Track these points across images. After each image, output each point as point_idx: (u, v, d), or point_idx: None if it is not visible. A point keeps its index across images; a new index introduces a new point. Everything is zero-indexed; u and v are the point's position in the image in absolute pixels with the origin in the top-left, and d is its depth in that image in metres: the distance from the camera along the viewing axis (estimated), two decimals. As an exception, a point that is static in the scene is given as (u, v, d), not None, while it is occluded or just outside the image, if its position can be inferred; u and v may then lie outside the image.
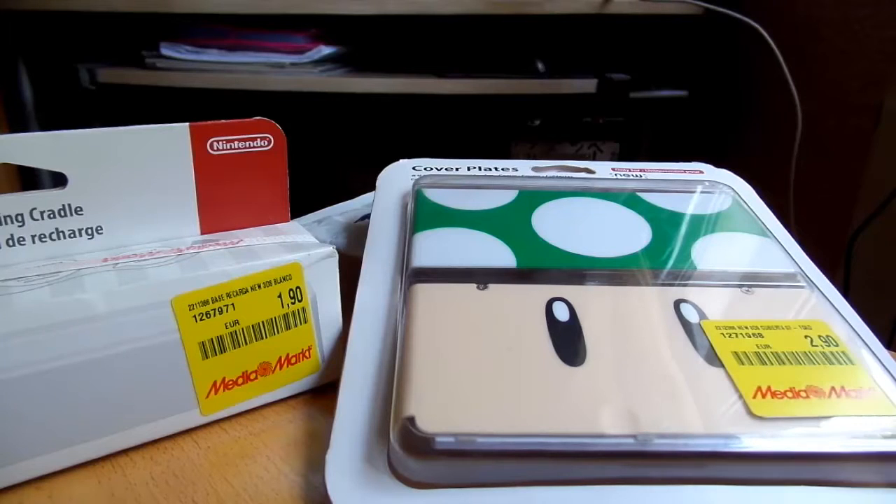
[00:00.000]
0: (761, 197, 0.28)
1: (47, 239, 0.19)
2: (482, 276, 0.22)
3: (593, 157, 0.96)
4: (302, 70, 0.88)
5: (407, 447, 0.16)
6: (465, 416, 0.16)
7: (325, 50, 0.89)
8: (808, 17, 0.84)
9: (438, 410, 0.16)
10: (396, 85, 0.87)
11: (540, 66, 0.91)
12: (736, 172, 0.30)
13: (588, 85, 0.88)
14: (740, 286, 0.21)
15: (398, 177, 0.29)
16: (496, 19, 0.85)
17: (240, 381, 0.20)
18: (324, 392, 0.22)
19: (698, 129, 0.93)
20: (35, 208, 0.19)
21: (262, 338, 0.20)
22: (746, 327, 0.20)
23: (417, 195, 0.26)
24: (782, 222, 0.27)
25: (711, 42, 0.88)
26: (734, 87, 0.93)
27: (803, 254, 0.25)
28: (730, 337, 0.19)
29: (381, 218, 0.26)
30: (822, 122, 0.82)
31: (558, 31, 0.94)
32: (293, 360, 0.21)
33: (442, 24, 0.88)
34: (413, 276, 0.22)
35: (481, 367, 0.18)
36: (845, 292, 0.76)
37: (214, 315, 0.19)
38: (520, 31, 0.95)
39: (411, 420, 0.16)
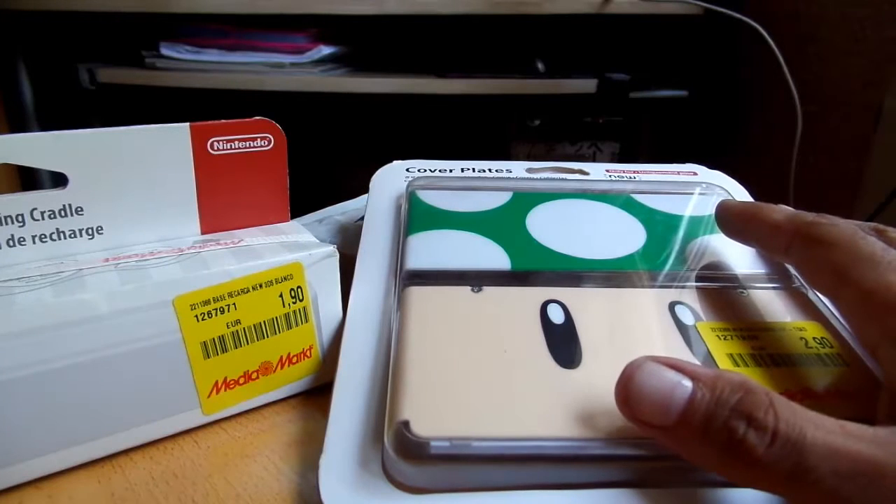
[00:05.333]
0: (761, 197, 0.28)
1: (48, 239, 0.19)
2: (476, 279, 0.21)
3: (593, 157, 0.96)
4: (302, 70, 0.88)
5: (401, 451, 0.16)
6: (460, 420, 0.16)
7: (325, 50, 0.89)
8: (808, 17, 0.84)
9: (433, 414, 0.16)
10: (396, 85, 0.87)
11: (540, 66, 0.91)
12: (736, 172, 0.30)
13: (588, 85, 0.88)
14: (735, 288, 0.22)
15: (391, 178, 0.29)
16: (496, 19, 0.85)
17: (241, 380, 0.20)
18: (324, 392, 0.22)
19: (698, 129, 0.93)
20: (35, 208, 0.19)
21: (264, 337, 0.20)
22: (741, 329, 0.20)
23: (411, 197, 0.26)
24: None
25: (711, 42, 0.88)
26: (734, 87, 0.93)
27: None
28: (725, 339, 0.19)
29: (375, 220, 0.26)
30: (822, 122, 0.82)
31: (558, 31, 0.94)
32: (294, 360, 0.21)
33: (442, 24, 0.88)
34: (407, 278, 0.22)
35: (476, 370, 0.18)
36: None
37: (216, 315, 0.19)
38: (520, 31, 0.95)
39: (406, 424, 0.16)
